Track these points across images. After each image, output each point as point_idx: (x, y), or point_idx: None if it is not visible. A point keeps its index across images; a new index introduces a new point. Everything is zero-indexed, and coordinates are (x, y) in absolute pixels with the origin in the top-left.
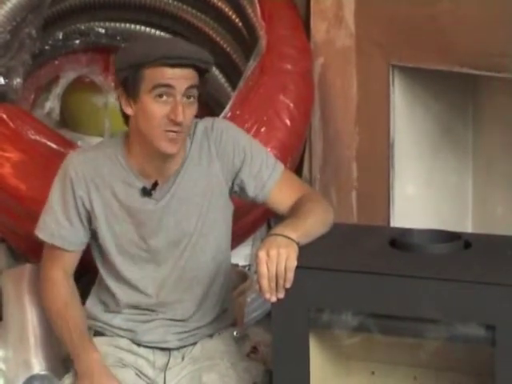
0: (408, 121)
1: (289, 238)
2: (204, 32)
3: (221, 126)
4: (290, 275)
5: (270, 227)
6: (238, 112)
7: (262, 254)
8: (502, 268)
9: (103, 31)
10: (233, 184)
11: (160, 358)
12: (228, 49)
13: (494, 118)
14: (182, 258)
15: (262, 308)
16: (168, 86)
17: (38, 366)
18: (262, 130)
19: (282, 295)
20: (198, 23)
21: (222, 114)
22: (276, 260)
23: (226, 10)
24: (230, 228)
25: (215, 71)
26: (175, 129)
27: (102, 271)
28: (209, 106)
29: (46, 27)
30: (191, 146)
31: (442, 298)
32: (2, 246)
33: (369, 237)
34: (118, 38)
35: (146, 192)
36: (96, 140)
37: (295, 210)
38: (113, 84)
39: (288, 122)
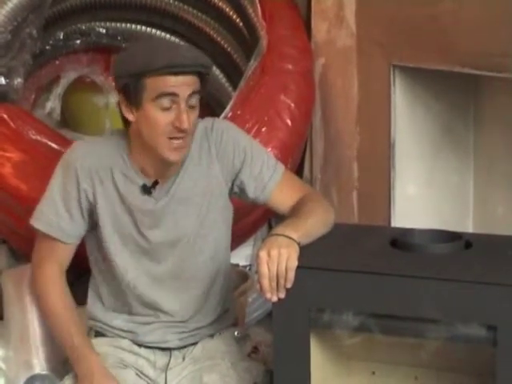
0: (409, 121)
1: (290, 238)
2: (205, 32)
3: (221, 126)
4: (291, 275)
5: (270, 227)
6: (238, 112)
7: (263, 254)
8: (503, 268)
9: (104, 31)
10: (233, 185)
11: (161, 358)
12: (229, 49)
13: (495, 117)
14: (180, 257)
15: (263, 308)
16: (172, 94)
17: (38, 366)
18: (263, 129)
19: (282, 295)
20: (199, 23)
21: (223, 114)
22: (277, 260)
23: (227, 10)
24: (229, 228)
25: (216, 71)
26: (179, 135)
27: (100, 266)
28: (210, 105)
29: (47, 27)
30: (191, 147)
31: (443, 298)
32: (2, 246)
33: (369, 237)
34: (119, 38)
35: (146, 190)
36: None
37: (296, 210)
38: (113, 85)
39: (289, 121)
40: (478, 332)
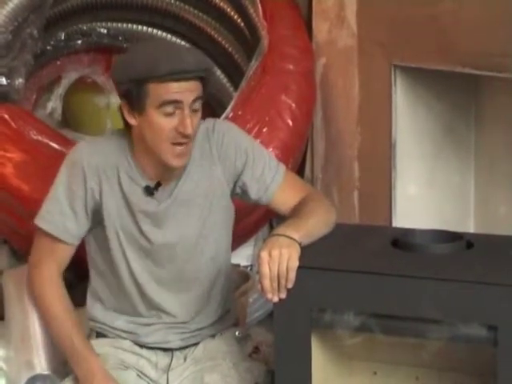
0: (410, 121)
1: (291, 238)
2: (206, 32)
3: (222, 127)
4: (292, 275)
5: (271, 227)
6: (239, 112)
7: (264, 254)
8: (504, 268)
9: (105, 31)
10: (234, 186)
11: (162, 359)
12: (230, 49)
13: (496, 117)
14: (182, 259)
15: (264, 308)
16: (175, 101)
17: (39, 367)
18: (264, 130)
19: (284, 295)
20: (200, 23)
21: (224, 114)
22: (278, 260)
23: (228, 10)
24: (230, 229)
25: (217, 71)
26: (183, 141)
27: (101, 266)
28: (211, 106)
29: (48, 27)
30: (193, 148)
31: (444, 298)
32: (4, 246)
33: (371, 237)
34: (120, 38)
35: (149, 191)
36: None
37: (297, 211)
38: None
39: (290, 122)
40: (478, 332)
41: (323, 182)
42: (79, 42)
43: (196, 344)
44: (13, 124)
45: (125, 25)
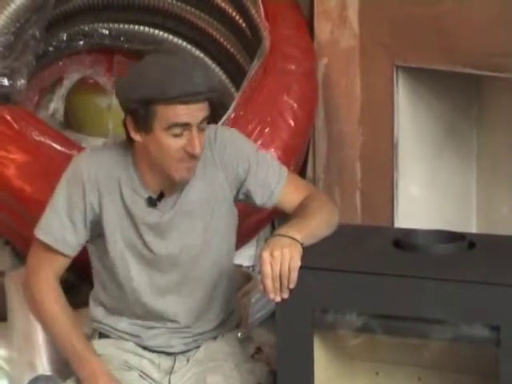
0: (412, 121)
1: (293, 238)
2: (207, 33)
3: (224, 135)
4: (294, 275)
5: (273, 228)
6: (241, 112)
7: (266, 255)
8: (507, 268)
9: (107, 32)
10: (238, 192)
11: (165, 362)
12: (232, 49)
13: (497, 117)
14: (185, 266)
15: (267, 308)
16: (184, 124)
17: (42, 367)
18: (266, 130)
19: (286, 295)
20: (202, 24)
21: (226, 115)
22: (280, 260)
23: (230, 10)
24: (233, 232)
25: (219, 72)
26: (191, 160)
27: (103, 275)
28: (212, 106)
29: (50, 28)
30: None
31: (446, 298)
32: (6, 247)
33: (372, 237)
34: (122, 38)
35: (152, 202)
36: (100, 141)
37: (300, 211)
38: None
39: (292, 122)
40: (481, 332)
41: (325, 183)
42: (81, 42)
43: (198, 346)
44: (15, 125)
45: (126, 25)
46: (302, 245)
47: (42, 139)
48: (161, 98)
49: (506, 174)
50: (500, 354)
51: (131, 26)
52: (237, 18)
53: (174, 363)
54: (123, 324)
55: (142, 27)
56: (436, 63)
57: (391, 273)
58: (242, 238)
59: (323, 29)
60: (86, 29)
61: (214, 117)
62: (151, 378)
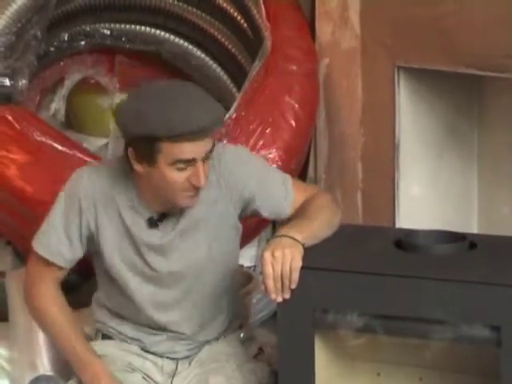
0: (413, 121)
1: (294, 239)
2: (209, 33)
3: (227, 158)
4: (295, 276)
5: (275, 228)
6: (243, 113)
7: (267, 255)
8: (508, 269)
9: (108, 32)
10: (244, 210)
11: (168, 365)
12: (233, 50)
13: (499, 118)
14: (189, 281)
15: (268, 309)
16: (189, 160)
17: (43, 367)
18: (267, 130)
19: (287, 295)
20: (203, 24)
21: (227, 115)
22: (281, 260)
23: (231, 11)
24: (237, 245)
25: (220, 72)
26: (196, 190)
27: (105, 284)
28: None
29: (51, 28)
30: None
31: (447, 298)
32: (7, 247)
33: (374, 237)
34: (123, 39)
35: (153, 223)
36: (101, 141)
37: (301, 212)
38: (118, 85)
39: (293, 122)
40: (481, 332)
41: (326, 183)
42: (82, 43)
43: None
44: (16, 125)
45: (128, 26)
46: (303, 245)
47: (43, 139)
48: (164, 136)
49: (507, 174)
50: (501, 354)
51: (133, 27)
52: (238, 18)
53: (177, 366)
54: (127, 328)
55: (143, 27)
56: (437, 64)
57: (392, 273)
58: (244, 239)
59: (324, 29)
60: (88, 29)
61: None
62: (154, 381)
